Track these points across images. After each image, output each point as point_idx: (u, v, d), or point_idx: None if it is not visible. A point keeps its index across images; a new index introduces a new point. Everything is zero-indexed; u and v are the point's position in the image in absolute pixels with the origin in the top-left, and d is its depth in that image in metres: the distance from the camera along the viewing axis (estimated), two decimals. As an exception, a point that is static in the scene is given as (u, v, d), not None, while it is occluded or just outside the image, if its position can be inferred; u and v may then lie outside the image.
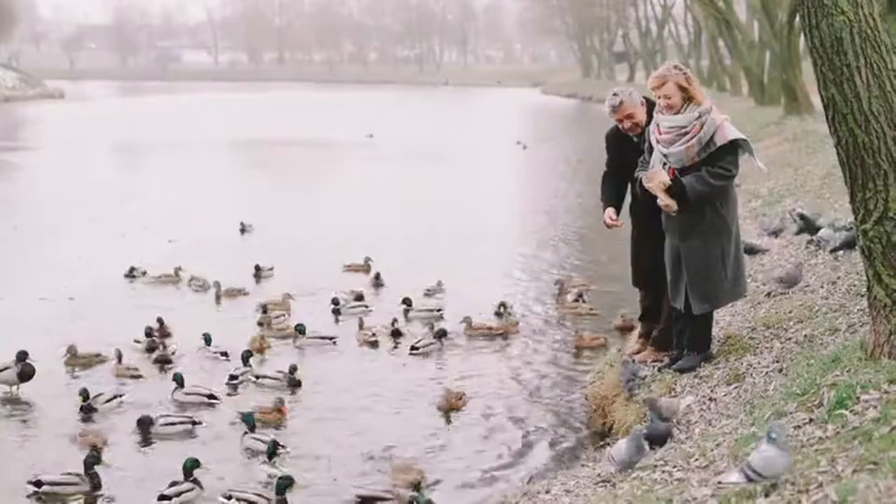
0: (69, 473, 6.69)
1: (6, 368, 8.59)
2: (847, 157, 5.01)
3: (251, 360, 9.23)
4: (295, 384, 8.76)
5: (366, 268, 13.21)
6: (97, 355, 9.54)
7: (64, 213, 19.05)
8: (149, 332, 10.03)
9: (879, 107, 4.88)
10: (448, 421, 7.92)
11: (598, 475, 5.44)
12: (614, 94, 7.03)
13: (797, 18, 17.76)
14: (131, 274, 12.94)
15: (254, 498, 6.39)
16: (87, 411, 8.11)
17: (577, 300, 11.38)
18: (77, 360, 9.45)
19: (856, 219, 5.12)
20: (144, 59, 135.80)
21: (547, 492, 5.54)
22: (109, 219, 18.29)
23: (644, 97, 7.09)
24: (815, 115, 21.33)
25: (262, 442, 7.23)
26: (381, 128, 37.53)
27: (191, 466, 6.60)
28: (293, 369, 8.85)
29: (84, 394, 8.23)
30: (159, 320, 10.38)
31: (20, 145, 34.61)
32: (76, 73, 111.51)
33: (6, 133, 40.05)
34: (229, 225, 16.66)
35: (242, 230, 16.43)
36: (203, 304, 11.85)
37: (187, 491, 6.48)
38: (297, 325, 10.30)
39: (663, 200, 6.38)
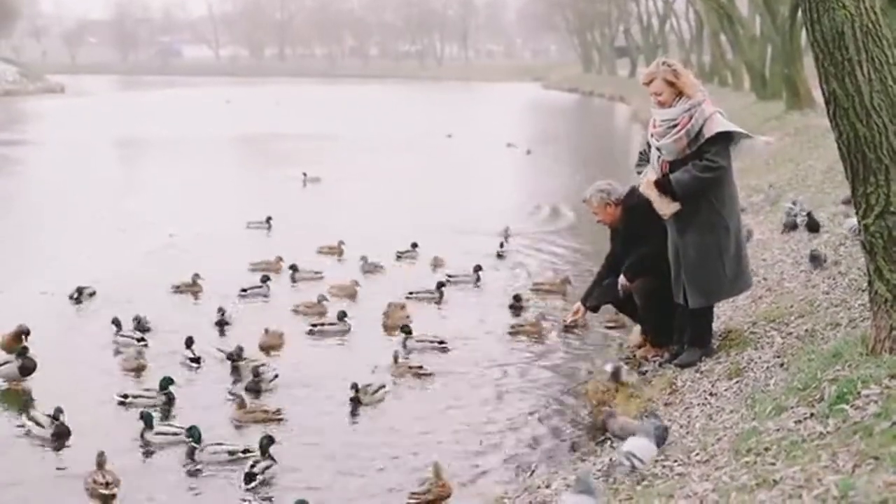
0: None
1: (7, 363, 8.59)
2: (848, 151, 5.01)
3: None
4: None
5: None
6: None
7: (64, 207, 19.01)
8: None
9: (881, 101, 4.88)
10: (448, 417, 7.91)
11: (599, 470, 5.44)
12: (592, 192, 7.35)
13: (799, 13, 17.74)
14: (78, 297, 11.39)
15: None
16: None
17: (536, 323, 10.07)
18: None
19: (857, 213, 5.13)
20: (145, 53, 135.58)
21: (547, 486, 5.55)
22: (110, 213, 18.26)
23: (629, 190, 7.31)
24: (817, 110, 21.28)
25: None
26: (381, 123, 37.42)
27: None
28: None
29: None
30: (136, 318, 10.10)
31: (21, 139, 34.56)
32: (77, 68, 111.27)
33: (6, 127, 40.00)
34: (231, 220, 16.62)
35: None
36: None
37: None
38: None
39: (657, 204, 6.59)
